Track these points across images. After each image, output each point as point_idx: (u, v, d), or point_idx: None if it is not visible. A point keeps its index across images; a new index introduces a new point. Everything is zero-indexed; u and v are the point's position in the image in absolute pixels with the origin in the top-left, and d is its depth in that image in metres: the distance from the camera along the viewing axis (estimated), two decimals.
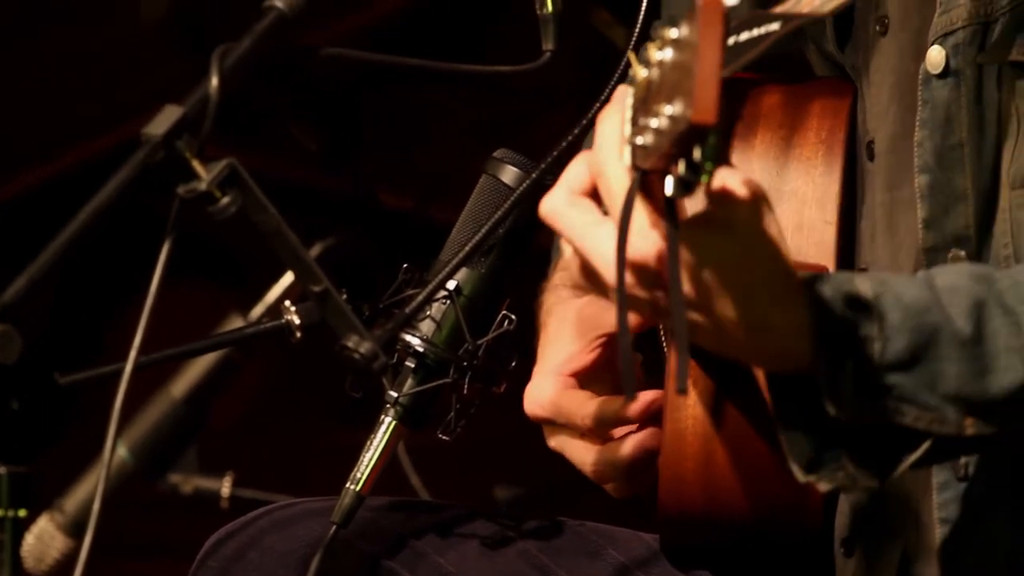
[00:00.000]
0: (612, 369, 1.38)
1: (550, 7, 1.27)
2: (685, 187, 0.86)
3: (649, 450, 1.31)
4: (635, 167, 0.93)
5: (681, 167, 0.84)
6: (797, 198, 1.33)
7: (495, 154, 1.38)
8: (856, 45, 1.39)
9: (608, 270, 0.96)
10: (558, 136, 1.27)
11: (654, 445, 1.30)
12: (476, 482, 3.13)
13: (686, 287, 0.98)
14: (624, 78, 1.23)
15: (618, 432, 1.35)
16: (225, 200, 0.94)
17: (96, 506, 1.04)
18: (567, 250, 1.29)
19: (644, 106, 0.91)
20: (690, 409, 1.19)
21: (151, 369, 1.18)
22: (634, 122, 0.94)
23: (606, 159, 0.98)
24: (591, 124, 1.25)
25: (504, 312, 1.36)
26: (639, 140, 0.90)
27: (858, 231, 1.38)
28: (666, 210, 0.91)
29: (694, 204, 1.01)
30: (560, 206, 1.06)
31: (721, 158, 0.83)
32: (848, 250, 1.36)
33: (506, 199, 1.27)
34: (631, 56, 0.98)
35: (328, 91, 3.19)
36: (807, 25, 1.37)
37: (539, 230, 1.41)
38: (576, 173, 1.07)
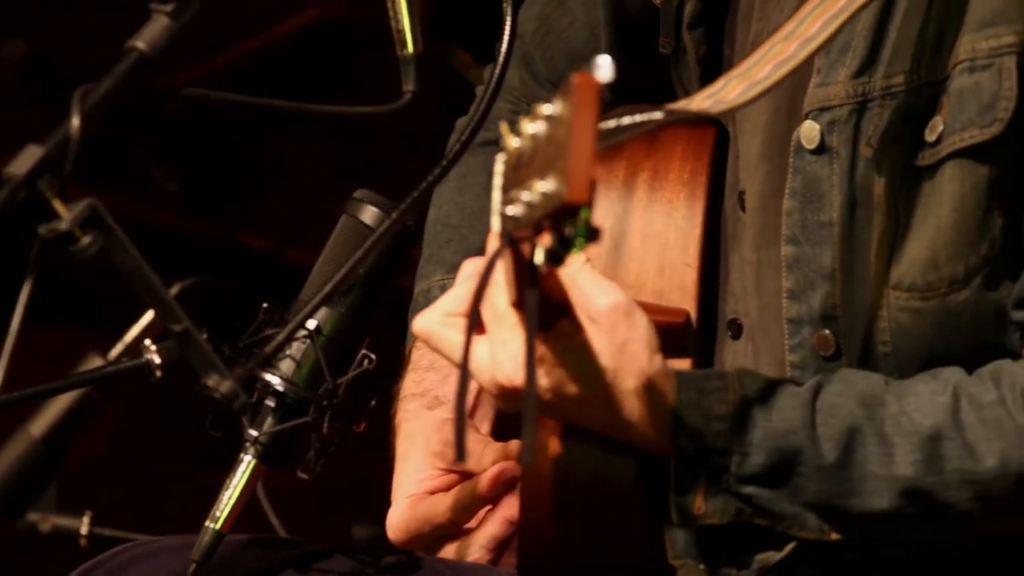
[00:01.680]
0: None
1: (411, 48, 1.27)
2: (554, 259, 0.87)
3: (512, 521, 1.33)
4: (503, 234, 0.94)
5: (552, 240, 0.85)
6: (659, 240, 1.32)
7: (355, 194, 1.38)
8: None
9: (481, 381, 1.04)
10: (418, 177, 1.27)
11: (515, 515, 1.32)
12: (335, 521, 3.11)
13: (557, 393, 1.05)
14: (483, 121, 1.26)
15: (478, 518, 1.38)
16: (86, 240, 0.93)
17: None
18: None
19: (515, 175, 0.92)
20: (547, 453, 1.20)
21: (10, 408, 1.15)
22: (504, 190, 0.95)
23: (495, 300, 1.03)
24: (451, 165, 1.28)
25: (364, 351, 1.36)
26: (509, 210, 0.91)
27: (728, 277, 1.37)
28: (529, 279, 0.93)
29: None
30: (433, 326, 1.12)
31: (592, 235, 0.82)
32: (710, 292, 1.36)
33: (366, 239, 1.27)
34: (503, 127, 0.98)
35: (189, 132, 3.17)
36: (676, 64, 1.39)
37: (399, 270, 1.44)
38: (452, 298, 1.12)
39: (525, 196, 0.85)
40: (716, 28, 1.33)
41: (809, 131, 1.21)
